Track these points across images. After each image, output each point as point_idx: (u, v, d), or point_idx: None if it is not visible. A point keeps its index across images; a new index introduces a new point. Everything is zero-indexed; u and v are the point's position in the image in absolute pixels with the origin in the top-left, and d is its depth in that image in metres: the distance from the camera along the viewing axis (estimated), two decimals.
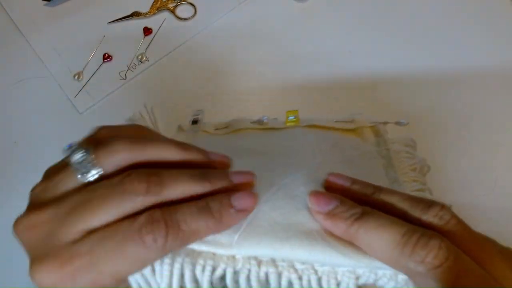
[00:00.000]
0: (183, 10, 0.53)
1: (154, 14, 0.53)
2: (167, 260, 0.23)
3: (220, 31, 0.52)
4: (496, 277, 0.22)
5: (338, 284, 0.24)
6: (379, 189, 0.25)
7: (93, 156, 0.23)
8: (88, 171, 0.23)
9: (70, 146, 0.23)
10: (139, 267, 0.22)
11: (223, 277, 0.24)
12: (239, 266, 0.24)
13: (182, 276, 0.23)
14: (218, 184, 0.24)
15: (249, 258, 0.24)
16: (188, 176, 0.23)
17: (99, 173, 0.23)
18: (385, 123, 0.39)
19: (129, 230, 0.21)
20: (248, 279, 0.24)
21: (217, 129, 0.40)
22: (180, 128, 0.41)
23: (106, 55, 0.51)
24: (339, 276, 0.24)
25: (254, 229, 0.24)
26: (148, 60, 0.51)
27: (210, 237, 0.23)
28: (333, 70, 0.50)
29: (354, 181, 0.26)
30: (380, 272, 0.24)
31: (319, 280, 0.24)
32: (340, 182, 0.26)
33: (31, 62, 0.51)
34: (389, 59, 0.50)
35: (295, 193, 0.26)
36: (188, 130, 0.40)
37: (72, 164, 0.23)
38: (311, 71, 0.50)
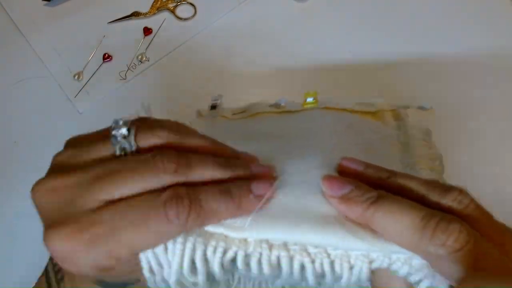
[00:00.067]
0: (183, 10, 0.53)
1: (154, 14, 0.53)
2: (179, 239, 0.23)
3: (220, 31, 0.52)
4: None
5: (351, 268, 0.23)
6: (394, 173, 0.25)
7: (137, 134, 0.24)
8: (127, 147, 0.23)
9: (117, 121, 0.24)
10: (157, 242, 0.23)
11: (234, 260, 0.24)
12: (250, 249, 0.24)
13: (193, 257, 0.23)
14: (240, 172, 0.25)
15: (261, 241, 0.24)
16: (213, 162, 0.24)
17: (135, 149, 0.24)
18: (406, 107, 0.38)
19: (154, 203, 0.22)
20: (259, 262, 0.23)
21: (234, 114, 0.40)
22: (199, 114, 0.41)
23: (106, 55, 0.51)
24: (352, 260, 0.23)
25: (267, 213, 0.24)
26: (148, 60, 0.51)
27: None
28: (333, 70, 0.50)
29: (367, 165, 0.26)
30: (394, 257, 0.23)
31: (332, 263, 0.23)
32: (353, 166, 0.26)
33: (31, 62, 0.51)
34: (389, 59, 0.50)
35: (308, 177, 0.26)
36: (207, 116, 0.40)
37: (114, 136, 0.23)
38: (311, 71, 0.50)
